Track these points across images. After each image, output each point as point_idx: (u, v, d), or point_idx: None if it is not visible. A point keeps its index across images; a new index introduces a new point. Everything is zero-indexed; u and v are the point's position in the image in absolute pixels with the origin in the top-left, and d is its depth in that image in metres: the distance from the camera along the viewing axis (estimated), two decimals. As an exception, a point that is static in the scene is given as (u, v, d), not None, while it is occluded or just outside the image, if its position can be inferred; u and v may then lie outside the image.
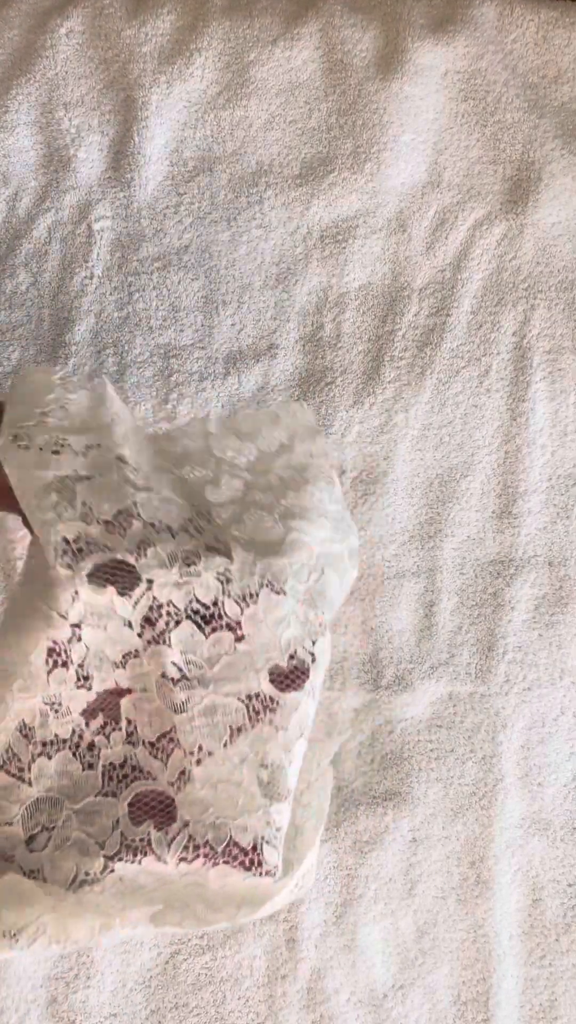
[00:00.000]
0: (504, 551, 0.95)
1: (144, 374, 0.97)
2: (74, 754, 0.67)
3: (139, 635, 0.66)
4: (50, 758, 0.67)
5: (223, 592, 0.68)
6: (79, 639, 0.65)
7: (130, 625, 0.66)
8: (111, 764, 0.67)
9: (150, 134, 1.03)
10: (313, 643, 0.70)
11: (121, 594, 0.65)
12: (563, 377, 0.99)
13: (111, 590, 0.65)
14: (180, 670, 0.67)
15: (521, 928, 0.88)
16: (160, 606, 0.66)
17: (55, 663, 0.66)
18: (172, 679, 0.66)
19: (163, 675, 0.67)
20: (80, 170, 1.02)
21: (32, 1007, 0.83)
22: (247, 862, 0.66)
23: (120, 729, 0.68)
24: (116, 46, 1.05)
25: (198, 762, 0.67)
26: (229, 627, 0.68)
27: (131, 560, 0.66)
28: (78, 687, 0.66)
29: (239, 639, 0.68)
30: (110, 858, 0.66)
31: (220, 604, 0.67)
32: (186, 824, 0.66)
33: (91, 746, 0.68)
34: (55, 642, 0.65)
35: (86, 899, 0.65)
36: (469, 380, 0.99)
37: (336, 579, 0.73)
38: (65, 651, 0.66)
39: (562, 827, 0.90)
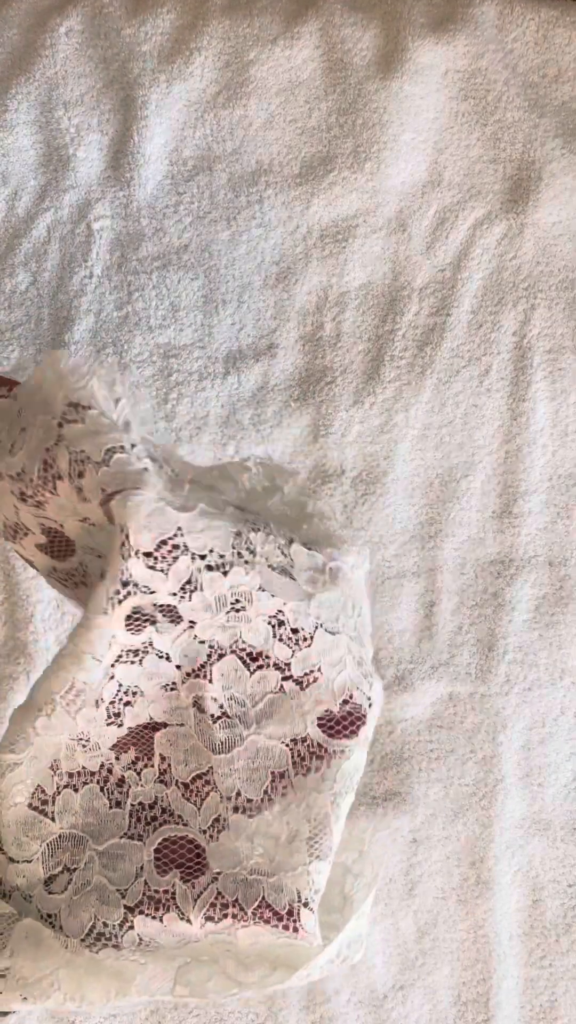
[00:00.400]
0: (504, 551, 0.95)
1: (143, 373, 0.97)
2: (102, 789, 0.62)
3: (177, 667, 0.61)
4: (76, 791, 0.62)
5: (273, 635, 0.62)
6: (112, 677, 0.61)
7: (168, 658, 0.61)
8: (140, 803, 0.62)
9: (150, 133, 1.02)
10: (371, 686, 0.63)
11: (160, 632, 0.60)
12: (563, 377, 0.99)
13: (149, 629, 0.60)
14: (221, 707, 0.61)
15: (521, 928, 0.88)
16: (202, 643, 0.61)
17: (83, 703, 0.60)
18: (212, 715, 0.61)
19: (202, 710, 0.61)
20: (79, 169, 1.02)
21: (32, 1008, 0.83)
22: (280, 927, 0.59)
23: (152, 766, 0.62)
24: (116, 45, 1.04)
25: (235, 809, 0.61)
26: (277, 667, 0.62)
27: (174, 603, 0.60)
28: (108, 724, 0.62)
29: (287, 678, 0.62)
30: (130, 909, 0.60)
31: (269, 646, 0.62)
32: (215, 878, 0.60)
33: (120, 782, 0.62)
34: (85, 683, 0.60)
35: (101, 956, 0.60)
36: (469, 380, 0.99)
37: (368, 612, 0.67)
38: (96, 691, 0.61)
39: (562, 827, 0.90)
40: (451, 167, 1.04)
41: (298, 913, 0.59)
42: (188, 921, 0.59)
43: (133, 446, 0.61)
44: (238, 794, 0.61)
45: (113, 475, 0.59)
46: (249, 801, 0.61)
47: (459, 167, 1.04)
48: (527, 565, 0.95)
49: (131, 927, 0.60)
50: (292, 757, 0.61)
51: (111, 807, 0.62)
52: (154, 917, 0.60)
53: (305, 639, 0.62)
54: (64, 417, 0.61)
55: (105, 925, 0.60)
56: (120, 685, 0.61)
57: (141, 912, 0.60)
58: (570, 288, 1.02)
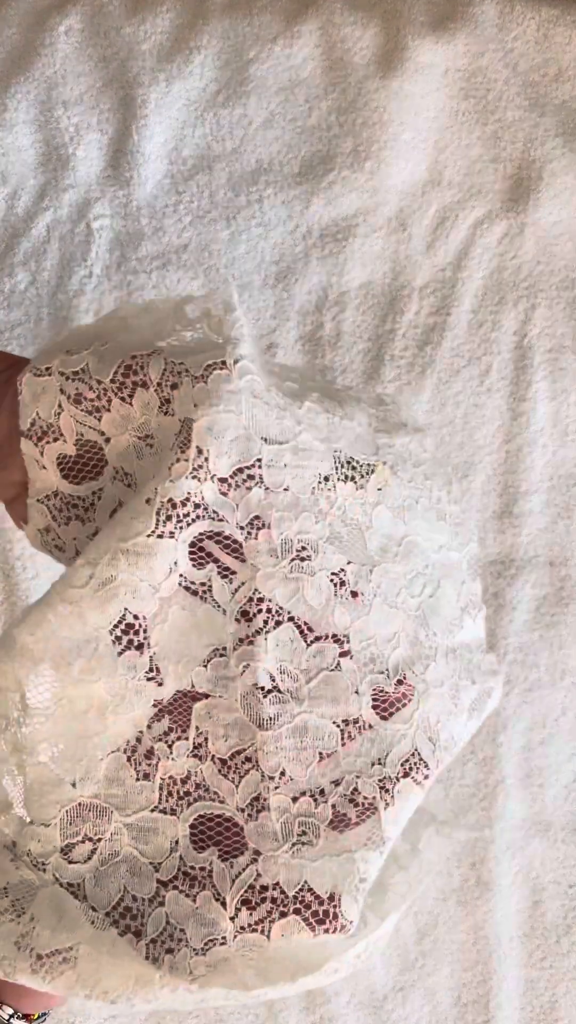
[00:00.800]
0: (505, 551, 0.95)
1: (143, 373, 0.97)
2: (129, 759, 0.57)
3: (231, 631, 0.56)
4: (101, 759, 0.57)
5: (335, 596, 0.57)
6: (165, 619, 0.55)
7: (224, 613, 0.55)
8: (171, 778, 0.57)
9: (149, 132, 1.02)
10: (425, 668, 0.58)
11: (222, 576, 0.55)
12: (564, 376, 0.99)
13: (212, 567, 0.55)
14: (273, 680, 0.56)
15: (522, 930, 0.88)
16: (261, 599, 0.56)
17: (129, 643, 0.55)
18: (263, 689, 0.55)
19: (251, 682, 0.56)
20: (79, 168, 1.01)
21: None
22: (320, 913, 0.54)
23: (187, 739, 0.57)
24: (115, 44, 1.04)
25: (276, 788, 0.56)
26: (335, 639, 0.57)
27: (240, 539, 0.55)
28: (148, 678, 0.56)
29: (344, 654, 0.57)
30: (163, 884, 0.55)
31: (330, 609, 0.57)
32: (255, 859, 0.55)
33: (149, 753, 0.57)
34: (136, 617, 0.55)
35: (123, 943, 0.55)
36: (470, 379, 0.99)
37: (453, 594, 0.61)
38: (144, 630, 0.55)
39: (563, 828, 0.90)
40: (451, 166, 1.04)
41: (339, 899, 0.55)
42: (223, 904, 0.55)
43: (236, 362, 0.57)
44: (282, 773, 0.56)
45: (208, 392, 0.56)
46: (293, 781, 0.56)
47: (459, 166, 1.04)
48: (527, 565, 0.95)
49: (161, 903, 0.55)
50: (342, 738, 0.57)
51: (138, 779, 0.57)
52: (188, 895, 0.56)
53: (364, 605, 0.58)
54: (171, 330, 0.59)
55: (134, 899, 0.55)
56: (168, 632, 0.56)
57: (175, 887, 0.56)
58: (570, 288, 1.01)
